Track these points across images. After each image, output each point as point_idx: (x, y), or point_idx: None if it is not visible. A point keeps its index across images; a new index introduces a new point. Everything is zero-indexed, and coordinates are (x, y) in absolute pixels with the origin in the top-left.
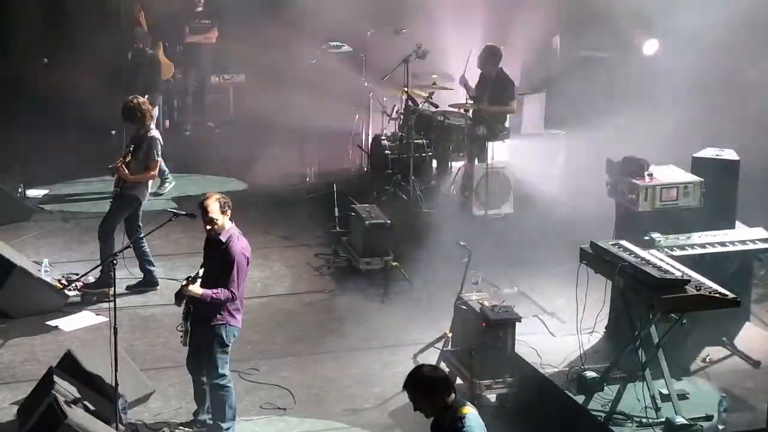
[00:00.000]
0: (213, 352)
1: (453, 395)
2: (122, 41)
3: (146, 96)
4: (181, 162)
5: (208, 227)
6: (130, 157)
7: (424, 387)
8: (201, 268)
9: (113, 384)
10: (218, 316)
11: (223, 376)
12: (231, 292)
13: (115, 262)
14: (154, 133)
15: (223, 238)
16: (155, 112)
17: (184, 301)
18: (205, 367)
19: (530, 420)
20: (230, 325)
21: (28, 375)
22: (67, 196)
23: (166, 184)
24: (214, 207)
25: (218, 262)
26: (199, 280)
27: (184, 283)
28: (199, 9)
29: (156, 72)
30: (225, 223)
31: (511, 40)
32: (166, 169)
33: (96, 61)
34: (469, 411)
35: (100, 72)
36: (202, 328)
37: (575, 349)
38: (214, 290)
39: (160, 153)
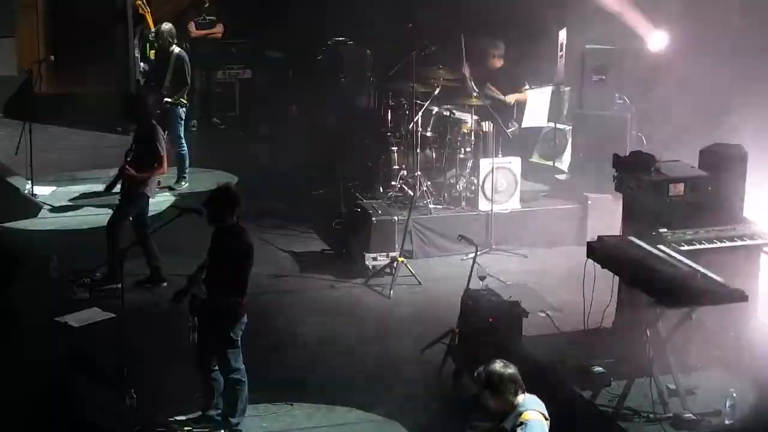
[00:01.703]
0: (224, 349)
1: (521, 396)
2: (130, 38)
3: (177, 94)
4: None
5: (208, 218)
6: (133, 157)
7: (492, 384)
8: (206, 259)
9: (122, 380)
10: (223, 312)
11: (238, 369)
12: (239, 288)
13: (123, 258)
14: (157, 127)
15: (226, 233)
16: (183, 109)
17: (191, 296)
18: (218, 363)
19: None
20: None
21: (37, 371)
22: (74, 194)
23: (182, 183)
24: (216, 198)
25: (223, 255)
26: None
27: (191, 276)
28: (206, 5)
29: (185, 69)
30: (227, 217)
31: (516, 33)
32: (188, 167)
33: (107, 57)
34: (532, 417)
35: (111, 69)
36: (209, 325)
37: (582, 344)
38: (222, 291)
39: (164, 146)
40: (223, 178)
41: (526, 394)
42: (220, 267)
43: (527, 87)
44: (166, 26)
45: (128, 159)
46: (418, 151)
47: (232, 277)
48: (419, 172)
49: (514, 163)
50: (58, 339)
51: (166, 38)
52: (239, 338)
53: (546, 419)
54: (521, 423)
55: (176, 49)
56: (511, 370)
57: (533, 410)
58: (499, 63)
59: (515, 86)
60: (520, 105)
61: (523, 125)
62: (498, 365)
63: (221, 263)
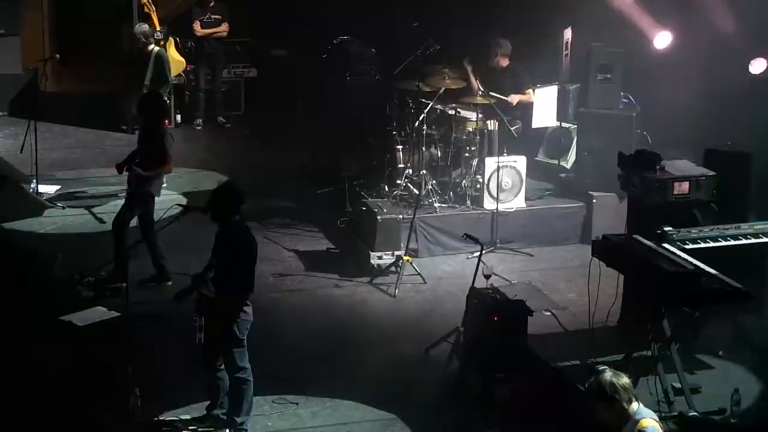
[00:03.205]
0: (229, 349)
1: (635, 405)
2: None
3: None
4: (193, 157)
5: (211, 216)
6: (139, 154)
7: (604, 395)
8: (213, 258)
9: (126, 379)
10: (229, 310)
11: (244, 369)
12: (246, 284)
13: (128, 257)
14: (165, 127)
15: (228, 231)
16: None
17: (197, 295)
18: (224, 362)
19: (542, 414)
20: (241, 319)
21: (41, 371)
22: (79, 192)
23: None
24: (218, 196)
25: (227, 253)
26: (212, 272)
27: (196, 275)
28: (211, 4)
29: (161, 69)
30: (230, 215)
31: (522, 33)
32: None
33: (109, 56)
34: (650, 424)
35: (113, 67)
36: (214, 325)
37: (587, 342)
38: (230, 292)
39: (171, 146)
40: (228, 177)
41: (640, 402)
42: (224, 265)
43: (532, 87)
44: (143, 26)
45: (136, 160)
46: (423, 149)
47: (237, 275)
48: (424, 171)
49: (520, 161)
50: (63, 338)
51: (140, 38)
52: (245, 337)
53: (662, 428)
54: (640, 430)
55: (155, 48)
56: (624, 379)
57: (650, 418)
58: (504, 62)
59: (520, 86)
60: (525, 105)
61: (533, 125)
62: (609, 375)
63: (226, 261)
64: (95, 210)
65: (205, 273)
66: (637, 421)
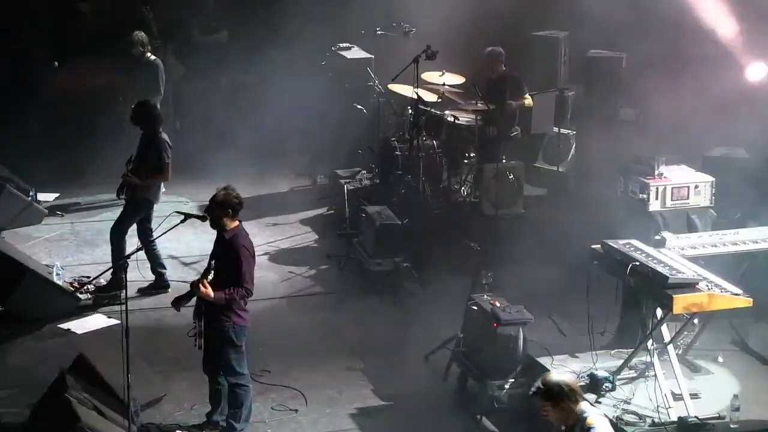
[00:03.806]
0: (226, 354)
1: (582, 404)
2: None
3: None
4: (192, 164)
5: (210, 223)
6: (137, 163)
7: (551, 395)
8: (211, 260)
9: (125, 386)
10: (225, 317)
11: (242, 375)
12: (245, 288)
13: (126, 264)
14: (163, 135)
15: (227, 236)
16: None
17: (196, 301)
18: (222, 369)
19: (541, 419)
20: (238, 325)
21: (40, 378)
22: (78, 201)
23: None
24: (217, 203)
25: (225, 260)
26: (212, 274)
27: (195, 282)
28: (210, 10)
29: (156, 77)
30: (228, 221)
31: (519, 40)
32: None
33: (108, 64)
34: (596, 420)
35: (112, 75)
36: (213, 330)
37: (586, 348)
38: (228, 290)
39: (169, 155)
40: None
41: (586, 401)
42: (223, 271)
43: (530, 93)
44: (140, 34)
45: (130, 167)
46: (422, 155)
47: (236, 281)
48: (423, 178)
49: (518, 167)
50: (61, 345)
51: (138, 46)
52: (243, 343)
53: (608, 423)
54: (589, 428)
55: (151, 57)
56: (569, 378)
57: (595, 414)
58: (501, 69)
59: (518, 92)
60: (524, 111)
61: (532, 131)
62: (555, 375)
63: (224, 267)
64: (95, 217)
65: (203, 279)
66: (585, 419)
